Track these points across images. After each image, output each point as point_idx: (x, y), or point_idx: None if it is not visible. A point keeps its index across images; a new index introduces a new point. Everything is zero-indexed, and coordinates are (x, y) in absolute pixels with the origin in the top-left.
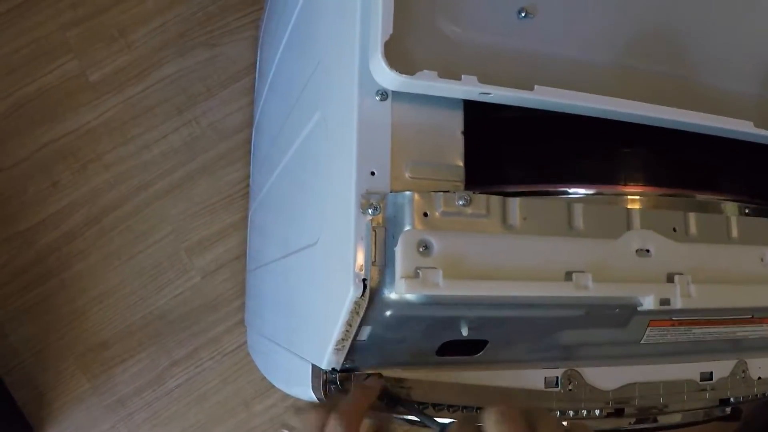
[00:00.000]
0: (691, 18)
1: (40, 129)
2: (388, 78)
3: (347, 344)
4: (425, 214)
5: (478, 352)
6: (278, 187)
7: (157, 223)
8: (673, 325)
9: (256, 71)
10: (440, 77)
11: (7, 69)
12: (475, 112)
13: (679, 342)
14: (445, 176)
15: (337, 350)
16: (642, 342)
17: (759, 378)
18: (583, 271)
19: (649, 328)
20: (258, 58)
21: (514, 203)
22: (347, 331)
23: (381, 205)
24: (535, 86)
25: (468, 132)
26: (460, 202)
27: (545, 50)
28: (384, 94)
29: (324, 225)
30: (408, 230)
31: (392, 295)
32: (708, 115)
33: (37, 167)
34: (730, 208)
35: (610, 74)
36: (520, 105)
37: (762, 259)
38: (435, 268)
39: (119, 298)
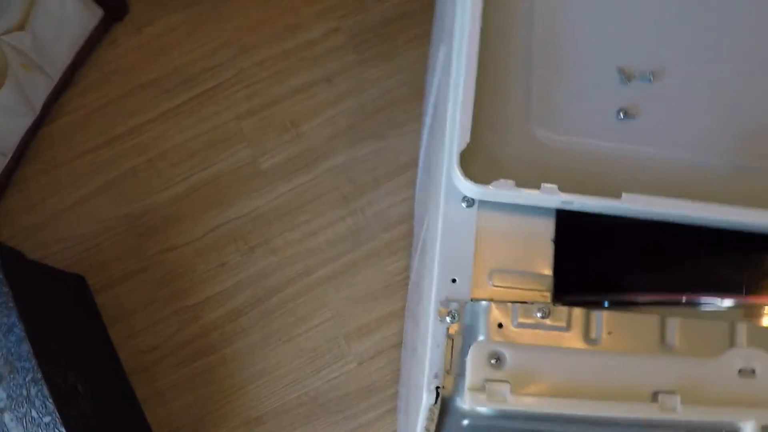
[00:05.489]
0: None
1: (213, 211)
2: (465, 186)
3: None
4: (500, 325)
5: None
6: (413, 283)
7: (318, 308)
8: None
9: (419, 165)
10: (518, 186)
11: (187, 154)
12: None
13: None
14: (530, 285)
15: None
16: None
17: None
18: (672, 392)
19: None
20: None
21: (599, 316)
22: None
23: (459, 313)
24: (623, 194)
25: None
26: (539, 314)
27: (647, 151)
28: (470, 201)
29: (417, 331)
30: (480, 341)
31: (464, 406)
32: None
33: (207, 247)
34: None
35: (722, 175)
36: (607, 213)
37: None
38: (504, 381)
39: (276, 377)
